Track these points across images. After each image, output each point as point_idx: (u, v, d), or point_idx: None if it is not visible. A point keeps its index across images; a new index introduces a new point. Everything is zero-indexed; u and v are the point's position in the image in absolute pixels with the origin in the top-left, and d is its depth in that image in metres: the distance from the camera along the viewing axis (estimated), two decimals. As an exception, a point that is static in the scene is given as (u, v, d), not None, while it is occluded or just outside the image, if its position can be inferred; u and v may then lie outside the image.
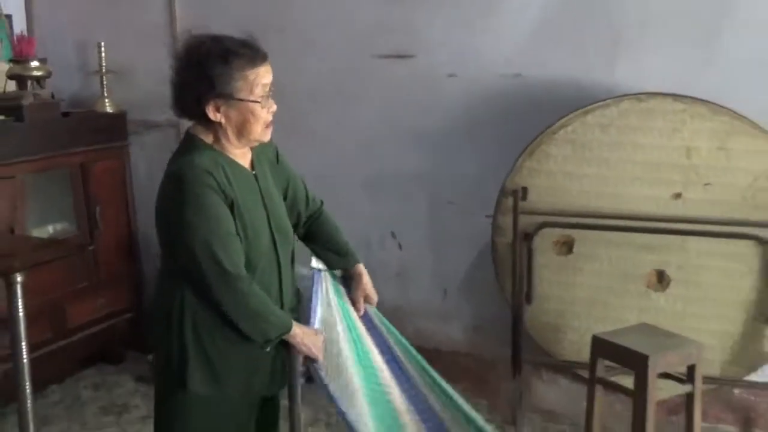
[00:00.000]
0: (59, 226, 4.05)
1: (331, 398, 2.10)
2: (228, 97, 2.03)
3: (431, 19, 3.72)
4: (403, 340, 2.40)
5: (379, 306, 2.58)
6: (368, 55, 3.83)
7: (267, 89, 2.07)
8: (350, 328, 2.32)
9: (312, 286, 2.29)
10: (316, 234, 2.39)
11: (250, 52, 2.04)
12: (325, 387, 2.10)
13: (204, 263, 1.98)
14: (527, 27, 3.59)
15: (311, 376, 3.79)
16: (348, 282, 2.38)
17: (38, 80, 4.00)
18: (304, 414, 2.22)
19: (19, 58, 3.93)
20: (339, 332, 2.27)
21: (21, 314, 2.97)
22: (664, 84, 3.33)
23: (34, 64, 3.97)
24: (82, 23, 4.35)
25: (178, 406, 2.15)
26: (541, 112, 3.46)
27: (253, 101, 2.04)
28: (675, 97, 3.25)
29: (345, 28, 3.85)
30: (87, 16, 4.34)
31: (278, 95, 2.14)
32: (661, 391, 3.04)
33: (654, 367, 2.94)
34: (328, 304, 2.30)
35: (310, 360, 2.14)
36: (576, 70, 3.53)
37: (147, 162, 4.31)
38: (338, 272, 2.38)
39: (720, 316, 3.37)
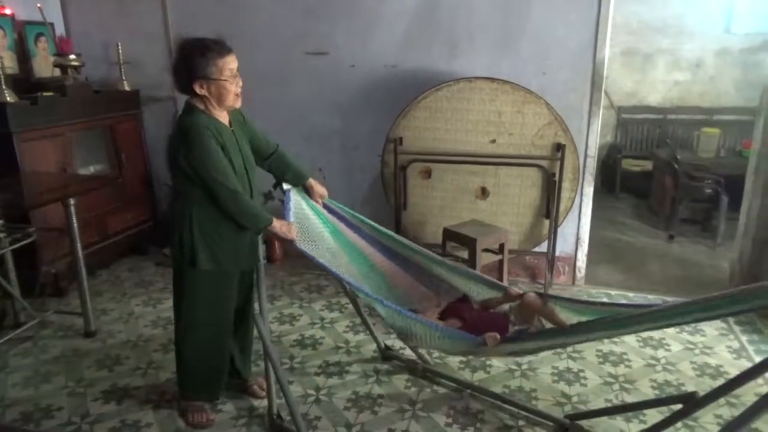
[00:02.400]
0: (98, 167, 3.88)
1: (315, 261, 2.14)
2: (206, 78, 2.01)
3: (337, 30, 3.63)
4: (351, 211, 2.46)
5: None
6: (299, 53, 3.73)
7: (234, 71, 2.05)
8: (319, 215, 2.37)
9: (287, 199, 2.30)
10: (277, 165, 2.35)
11: (218, 47, 2.02)
12: (310, 257, 2.14)
13: (212, 184, 2.01)
14: (398, 36, 3.55)
15: (270, 257, 3.82)
16: (307, 191, 2.39)
17: (76, 68, 3.76)
18: (266, 282, 2.26)
19: (60, 53, 3.69)
20: (312, 221, 2.33)
21: (75, 225, 2.92)
22: (484, 71, 3.39)
23: (72, 57, 3.72)
24: (104, 29, 4.06)
25: (190, 280, 2.18)
26: (409, 89, 3.48)
27: (223, 80, 2.02)
28: (491, 79, 3.30)
29: (282, 35, 3.72)
30: (108, 23, 4.06)
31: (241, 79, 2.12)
32: (484, 259, 3.20)
33: (480, 245, 3.10)
34: (301, 207, 2.32)
35: (288, 241, 2.15)
36: (431, 63, 3.53)
37: (154, 124, 4.14)
38: (299, 188, 2.38)
39: (518, 213, 3.48)
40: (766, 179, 3.24)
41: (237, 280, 2.28)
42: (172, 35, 3.89)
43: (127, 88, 4.03)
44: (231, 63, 2.04)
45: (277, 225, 2.12)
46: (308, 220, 2.32)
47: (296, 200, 2.33)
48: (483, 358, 2.79)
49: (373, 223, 2.45)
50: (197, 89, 2.02)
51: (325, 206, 2.43)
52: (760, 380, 2.48)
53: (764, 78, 3.24)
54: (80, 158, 3.71)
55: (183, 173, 2.04)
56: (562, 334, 1.96)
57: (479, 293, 2.33)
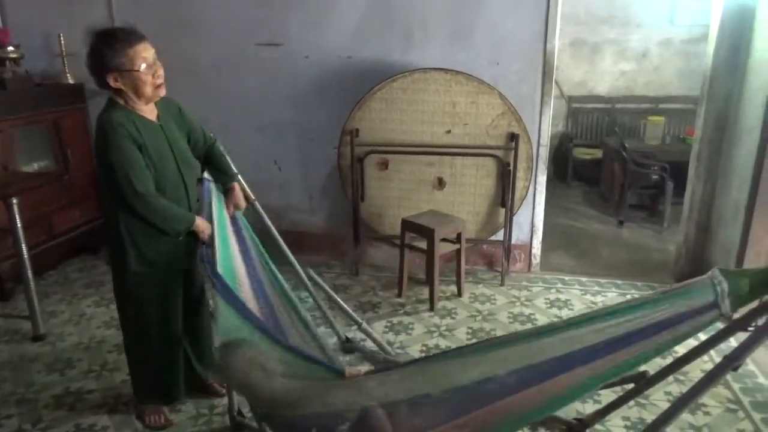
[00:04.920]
0: (42, 164, 3.72)
1: (206, 266, 1.92)
2: (118, 70, 1.91)
3: (291, 20, 3.57)
4: (254, 236, 2.30)
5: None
6: (251, 43, 3.65)
7: (149, 60, 1.94)
8: (221, 224, 2.19)
9: (204, 189, 2.23)
10: (210, 159, 2.29)
11: (126, 36, 1.92)
12: (207, 255, 1.99)
13: (124, 187, 1.93)
14: (353, 26, 3.52)
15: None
16: (226, 193, 2.28)
17: (14, 60, 3.59)
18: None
19: (-3, 45, 3.53)
20: (214, 224, 2.15)
21: (19, 225, 2.80)
22: (439, 62, 3.40)
23: (10, 48, 3.55)
24: (45, 18, 3.88)
25: (125, 281, 2.12)
26: (365, 81, 3.46)
27: (135, 71, 1.91)
28: (445, 70, 3.32)
29: (234, 25, 3.63)
30: (48, 12, 3.87)
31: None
32: (442, 249, 3.23)
33: (438, 235, 3.12)
34: (210, 205, 2.21)
35: (202, 242, 2.07)
36: (385, 54, 3.51)
37: (102, 117, 4.03)
38: (219, 186, 2.28)
39: (474, 203, 3.52)
40: (707, 165, 3.38)
41: (179, 279, 2.22)
42: (117, 24, 3.74)
43: (71, 81, 3.88)
44: (143, 52, 1.93)
45: (199, 224, 2.06)
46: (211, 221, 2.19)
47: (210, 197, 2.23)
48: (445, 344, 2.82)
49: (270, 263, 2.29)
50: (111, 82, 1.93)
51: (233, 217, 2.29)
52: (705, 357, 2.59)
53: (705, 68, 3.37)
54: (23, 155, 3.55)
55: (105, 175, 1.98)
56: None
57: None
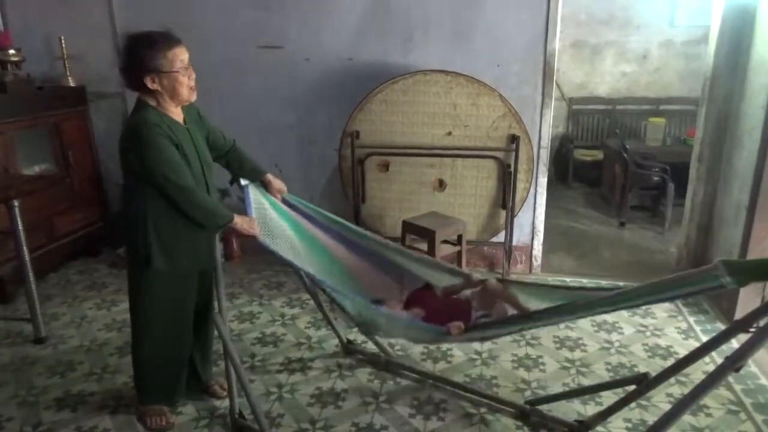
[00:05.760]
0: (43, 166, 3.72)
1: (278, 256, 2.10)
2: (157, 71, 1.94)
3: (291, 23, 3.58)
4: (311, 205, 2.46)
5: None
6: (252, 46, 3.65)
7: (185, 63, 1.99)
8: (279, 211, 2.36)
9: (246, 194, 2.28)
10: (235, 161, 2.32)
11: (166, 38, 1.96)
12: (272, 251, 2.09)
13: (165, 185, 1.95)
14: (353, 29, 3.52)
15: (227, 255, 3.75)
16: (265, 186, 2.37)
17: (16, 64, 3.60)
18: (224, 280, 2.21)
19: (-2, 48, 3.54)
20: (272, 216, 2.30)
21: (20, 228, 2.81)
22: (439, 64, 3.40)
23: (11, 52, 3.56)
24: (46, 21, 3.88)
25: (146, 281, 2.12)
26: (365, 83, 3.46)
27: (175, 72, 1.95)
28: (446, 72, 3.32)
29: (234, 28, 3.64)
30: (49, 16, 3.87)
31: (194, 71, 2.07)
32: (443, 250, 3.22)
33: (439, 237, 3.12)
34: (260, 203, 2.29)
35: (251, 237, 2.11)
36: (386, 56, 3.52)
37: (103, 120, 3.99)
38: (257, 183, 2.36)
39: (475, 204, 3.52)
40: (708, 166, 3.38)
41: (195, 281, 2.23)
42: (118, 27, 3.75)
43: (72, 84, 3.88)
44: (181, 54, 1.98)
45: (238, 221, 2.07)
46: (268, 215, 2.29)
47: (255, 196, 2.31)
48: (446, 347, 2.82)
49: (332, 215, 2.45)
50: (149, 84, 1.95)
51: (284, 201, 2.42)
52: (707, 359, 2.58)
53: (705, 69, 3.37)
54: (24, 158, 3.55)
55: (136, 173, 1.98)
56: (524, 320, 2.00)
57: (441, 281, 2.36)
